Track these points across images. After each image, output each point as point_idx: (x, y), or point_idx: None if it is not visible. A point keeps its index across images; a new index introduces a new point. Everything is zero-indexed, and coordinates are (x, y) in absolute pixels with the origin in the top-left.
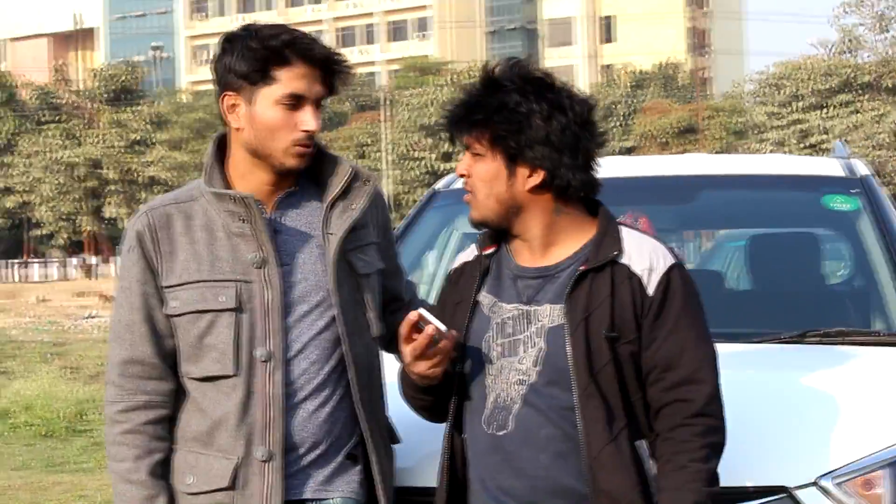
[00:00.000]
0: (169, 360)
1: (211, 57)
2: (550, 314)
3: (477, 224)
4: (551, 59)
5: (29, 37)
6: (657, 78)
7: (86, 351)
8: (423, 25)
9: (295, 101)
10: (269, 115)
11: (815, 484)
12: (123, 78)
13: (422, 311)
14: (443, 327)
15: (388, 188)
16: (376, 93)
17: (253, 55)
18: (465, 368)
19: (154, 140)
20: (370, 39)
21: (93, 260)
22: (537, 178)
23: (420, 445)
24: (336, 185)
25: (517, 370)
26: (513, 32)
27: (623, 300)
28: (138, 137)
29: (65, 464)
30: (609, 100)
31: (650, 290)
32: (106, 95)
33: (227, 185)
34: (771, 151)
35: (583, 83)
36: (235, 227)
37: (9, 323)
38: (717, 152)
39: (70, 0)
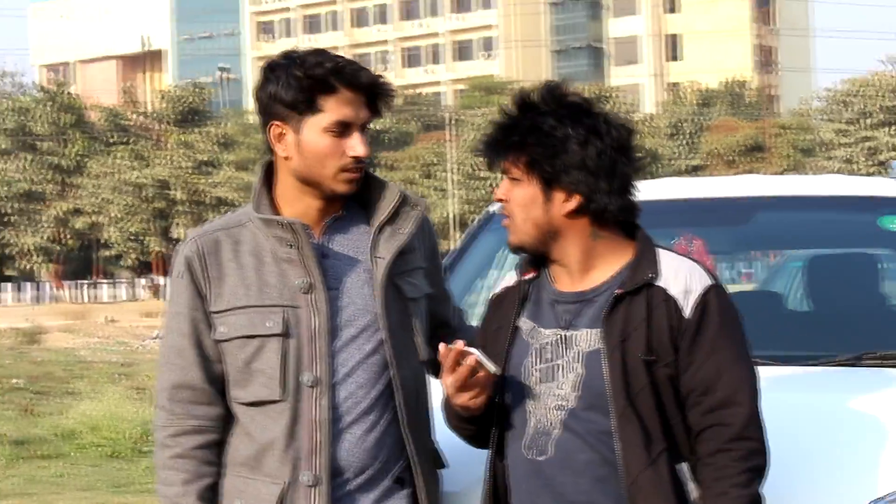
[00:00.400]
0: (218, 384)
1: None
2: (588, 339)
3: (515, 249)
4: (617, 77)
5: (98, 59)
6: (724, 96)
7: (153, 371)
8: (488, 45)
9: (342, 129)
10: (318, 143)
11: None
12: (191, 99)
13: (462, 343)
14: (485, 360)
15: (453, 208)
16: (442, 112)
17: (298, 84)
18: (506, 395)
19: (221, 161)
20: (436, 59)
21: (160, 280)
22: (573, 202)
23: (468, 470)
24: (384, 209)
25: (556, 395)
26: (578, 51)
27: (659, 323)
28: (206, 158)
29: (130, 484)
30: (676, 118)
31: (687, 313)
32: (173, 117)
33: (275, 211)
34: (839, 169)
35: (649, 101)
36: (283, 253)
37: (78, 343)
38: (784, 170)
39: (138, 22)
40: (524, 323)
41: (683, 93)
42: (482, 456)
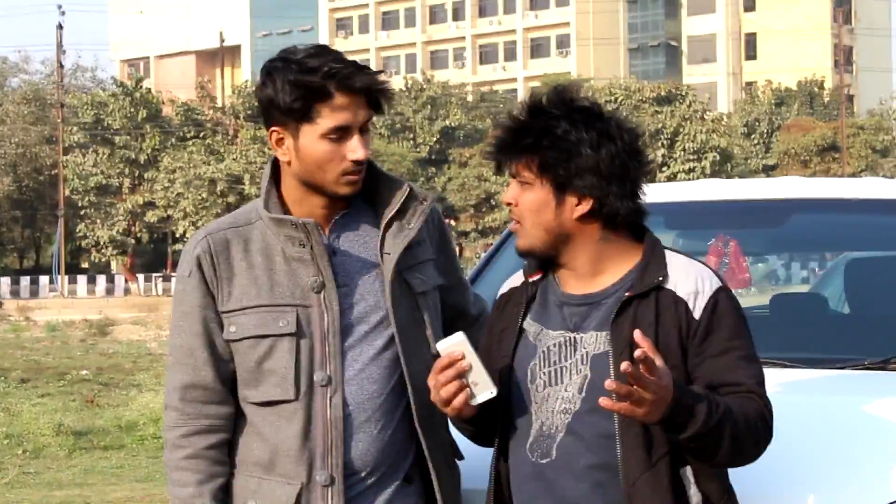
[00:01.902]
0: (228, 384)
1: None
2: (596, 341)
3: (524, 253)
4: (693, 75)
5: (175, 54)
6: (800, 95)
7: None
8: (563, 42)
9: (341, 133)
10: (316, 149)
11: None
12: None
13: (460, 340)
14: (486, 378)
15: None
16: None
17: (294, 92)
18: (512, 397)
19: None
20: (511, 56)
21: None
22: (585, 206)
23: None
24: (392, 204)
25: (562, 398)
26: (654, 49)
27: (668, 326)
28: None
29: None
30: (751, 117)
31: (696, 314)
32: (247, 112)
33: (285, 209)
34: None
35: (724, 100)
36: (294, 252)
37: (148, 336)
38: (860, 171)
39: (216, 18)
40: (530, 325)
41: (759, 92)
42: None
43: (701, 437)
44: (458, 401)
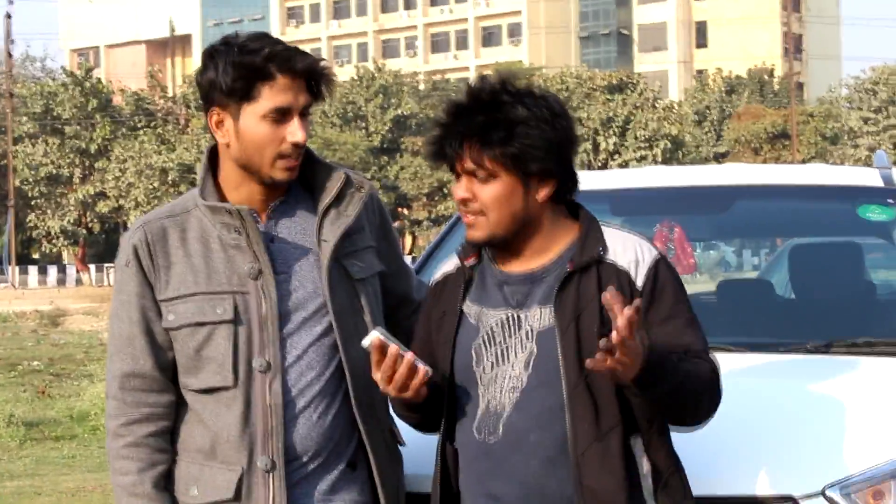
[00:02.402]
0: (168, 372)
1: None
2: (540, 317)
3: (484, 243)
4: (644, 64)
5: (126, 44)
6: (750, 83)
7: None
8: (515, 31)
9: (281, 115)
10: (256, 130)
11: (822, 494)
12: None
13: (379, 332)
14: (401, 347)
15: None
16: None
17: (236, 72)
18: (456, 378)
19: None
20: (463, 45)
21: None
22: (551, 188)
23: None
24: (329, 191)
25: (510, 376)
26: (606, 37)
27: None
28: None
29: None
30: (702, 105)
31: (639, 283)
32: (199, 101)
33: (221, 197)
34: (864, 157)
35: (675, 88)
36: (230, 239)
37: (100, 326)
38: (810, 158)
39: (166, 7)
40: (469, 307)
41: (710, 80)
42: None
43: (669, 395)
44: (418, 378)
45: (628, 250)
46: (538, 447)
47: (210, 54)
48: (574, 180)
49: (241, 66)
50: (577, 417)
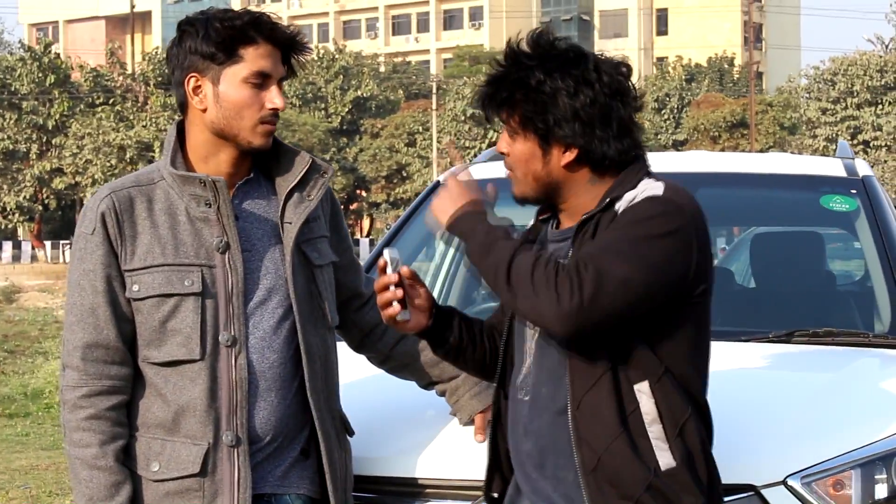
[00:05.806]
0: (128, 344)
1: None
2: None
3: (519, 200)
4: (604, 50)
5: (85, 19)
6: (710, 71)
7: None
8: (476, 14)
9: (261, 80)
10: (237, 93)
11: (783, 483)
12: None
13: (388, 254)
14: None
15: (437, 176)
16: (428, 81)
17: (218, 35)
18: (512, 332)
19: None
20: (424, 28)
21: None
22: (571, 155)
23: (379, 436)
24: (294, 174)
25: (536, 331)
26: (567, 23)
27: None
28: None
29: None
30: (662, 93)
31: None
32: (158, 79)
33: (189, 169)
34: (822, 147)
35: (635, 75)
36: (198, 212)
37: (55, 303)
38: (768, 147)
39: None
40: None
41: (670, 67)
42: (392, 423)
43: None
44: (386, 312)
45: (638, 191)
46: (549, 401)
47: (189, 22)
48: (614, 148)
49: (225, 29)
50: (575, 370)
